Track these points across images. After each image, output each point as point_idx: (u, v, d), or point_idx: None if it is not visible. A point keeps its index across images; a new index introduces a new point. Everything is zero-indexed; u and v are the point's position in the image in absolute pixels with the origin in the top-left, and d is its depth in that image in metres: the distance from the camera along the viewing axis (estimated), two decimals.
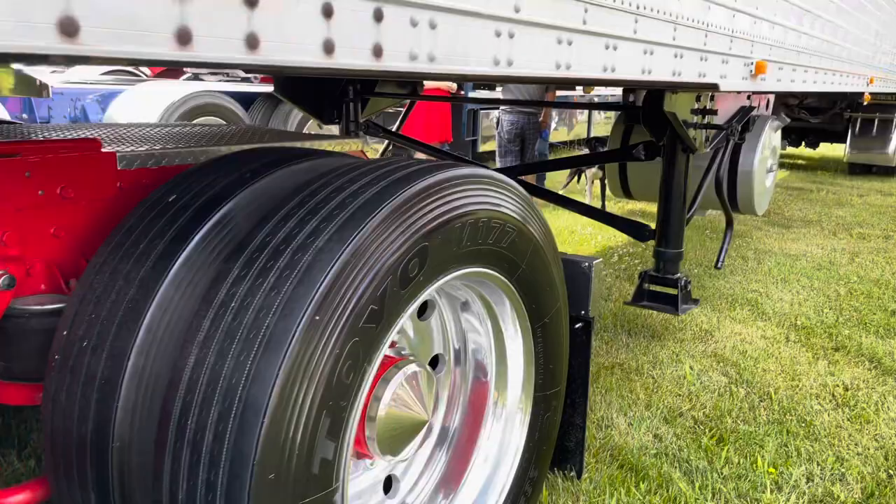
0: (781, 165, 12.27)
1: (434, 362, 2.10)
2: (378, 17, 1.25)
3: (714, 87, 2.94)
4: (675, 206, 3.67)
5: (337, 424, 1.31)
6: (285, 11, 1.09)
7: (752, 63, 3.29)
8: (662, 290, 3.76)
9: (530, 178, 8.05)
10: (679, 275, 3.73)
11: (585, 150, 9.83)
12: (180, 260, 1.43)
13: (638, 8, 2.13)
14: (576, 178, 8.18)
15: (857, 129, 10.88)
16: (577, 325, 2.37)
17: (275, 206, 1.46)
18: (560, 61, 1.80)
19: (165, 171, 1.90)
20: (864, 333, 4.08)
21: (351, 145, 2.84)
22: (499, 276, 1.84)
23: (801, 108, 11.00)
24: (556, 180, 8.86)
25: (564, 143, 13.00)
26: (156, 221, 1.54)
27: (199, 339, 1.25)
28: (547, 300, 2.05)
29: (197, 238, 1.47)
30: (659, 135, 3.55)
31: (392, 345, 1.68)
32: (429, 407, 1.78)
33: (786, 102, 11.00)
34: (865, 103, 6.97)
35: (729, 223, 3.81)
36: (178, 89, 7.26)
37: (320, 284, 1.26)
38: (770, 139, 4.58)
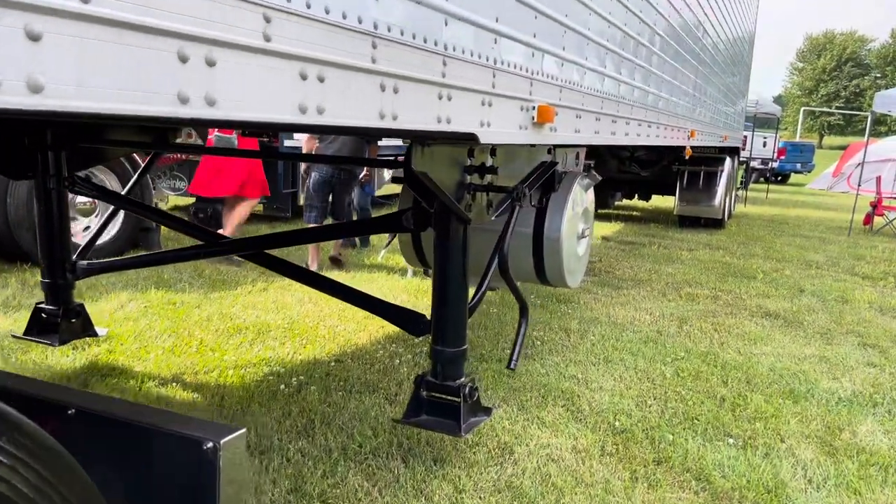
0: (616, 218, 12.11)
1: None
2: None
3: (472, 139, 2.09)
4: (453, 291, 2.81)
5: None
6: None
7: (532, 107, 2.50)
8: (445, 397, 2.88)
9: (334, 242, 7.12)
10: (462, 380, 2.86)
11: None
12: None
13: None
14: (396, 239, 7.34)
15: (685, 181, 10.85)
16: None
17: None
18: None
19: None
20: (690, 435, 3.37)
21: None
22: None
23: (633, 160, 10.87)
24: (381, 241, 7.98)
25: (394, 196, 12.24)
26: None
27: None
28: None
29: None
30: (429, 199, 2.69)
31: None
32: None
33: (616, 155, 10.84)
34: (687, 157, 6.60)
35: (522, 311, 2.99)
36: None
37: None
38: (580, 199, 3.88)
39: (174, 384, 3.67)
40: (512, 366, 2.91)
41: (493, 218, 2.96)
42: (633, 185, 11.95)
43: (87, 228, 6.81)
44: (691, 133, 6.39)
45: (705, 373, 4.30)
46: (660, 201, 13.50)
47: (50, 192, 3.51)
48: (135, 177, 4.05)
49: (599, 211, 12.46)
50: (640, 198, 12.39)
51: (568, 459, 3.08)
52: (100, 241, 6.98)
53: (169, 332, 4.53)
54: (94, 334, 3.83)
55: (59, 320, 3.63)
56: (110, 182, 6.87)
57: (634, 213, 13.38)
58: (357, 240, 7.96)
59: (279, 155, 6.04)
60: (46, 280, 3.61)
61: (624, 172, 11.22)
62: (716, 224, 11.23)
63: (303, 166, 8.86)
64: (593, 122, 3.35)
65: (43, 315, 3.64)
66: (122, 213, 7.00)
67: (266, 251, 3.20)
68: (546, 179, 3.69)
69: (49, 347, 4.01)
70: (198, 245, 3.36)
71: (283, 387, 3.67)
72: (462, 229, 2.79)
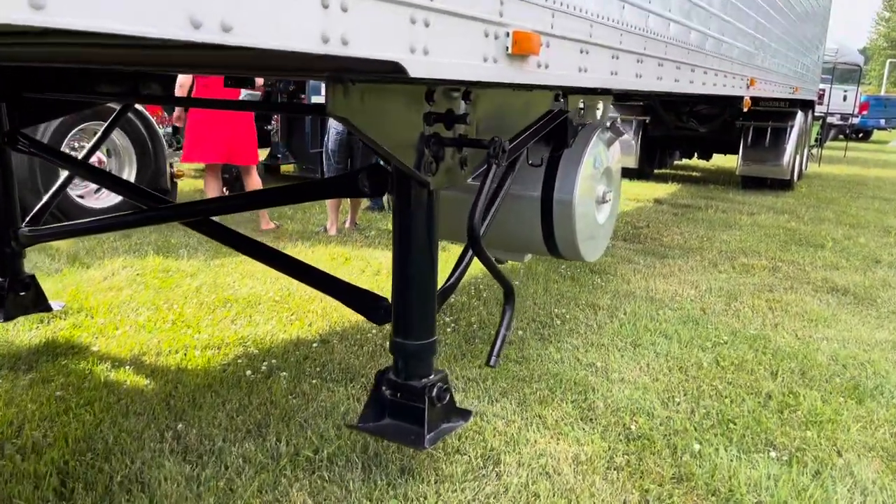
0: (672, 178, 11.27)
1: None
2: None
3: (397, 71, 1.52)
4: (416, 271, 2.28)
5: None
6: None
7: (505, 33, 1.90)
8: (408, 400, 2.37)
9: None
10: (427, 380, 2.34)
11: None
12: None
13: None
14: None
15: (750, 139, 9.92)
16: None
17: None
18: None
19: None
20: (722, 444, 2.77)
21: None
22: None
23: (691, 115, 10.00)
24: None
25: None
26: None
27: None
28: None
29: None
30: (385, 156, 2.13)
31: None
32: None
33: (672, 108, 9.97)
34: (746, 109, 5.81)
35: (507, 297, 2.42)
36: None
37: None
38: (601, 157, 3.26)
39: (130, 366, 3.26)
40: (491, 363, 2.36)
41: (470, 180, 2.39)
42: (691, 143, 11.05)
43: (98, 190, 6.51)
44: (750, 81, 5.59)
45: (751, 362, 3.65)
46: (722, 161, 12.53)
47: None
48: (98, 134, 3.61)
49: (656, 171, 11.61)
50: (699, 157, 11.48)
51: (566, 474, 2.53)
52: (114, 202, 6.70)
53: (149, 305, 4.14)
54: (48, 308, 3.46)
55: (5, 293, 3.26)
56: (120, 140, 6.52)
57: (694, 173, 12.45)
58: (384, 202, 7.44)
59: (237, 104, 5.50)
60: None
61: (681, 129, 10.33)
62: (783, 185, 10.27)
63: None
64: (607, 60, 2.70)
65: None
66: (134, 170, 6.66)
67: (213, 219, 2.71)
68: (556, 133, 3.09)
69: (12, 322, 3.66)
70: (140, 210, 2.90)
71: (249, 372, 3.22)
72: (426, 194, 2.23)
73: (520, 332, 3.91)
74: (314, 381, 3.18)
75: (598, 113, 3.54)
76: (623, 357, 3.65)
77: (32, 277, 3.38)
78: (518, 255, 3.54)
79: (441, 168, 2.20)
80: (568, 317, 4.24)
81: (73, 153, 6.32)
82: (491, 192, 2.23)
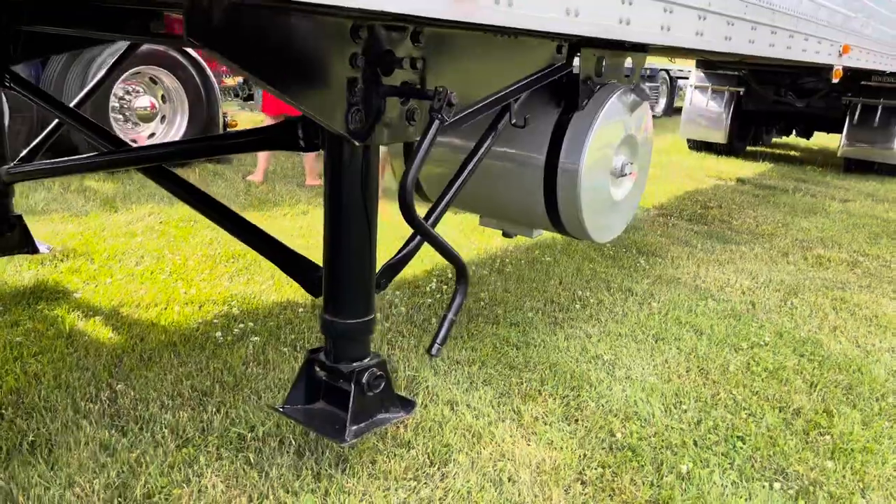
0: (766, 157, 10.38)
1: None
2: None
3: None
4: (348, 240, 1.98)
5: None
6: None
7: None
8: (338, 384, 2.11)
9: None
10: (359, 364, 2.06)
11: None
12: None
13: None
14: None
15: (857, 117, 8.94)
16: None
17: None
18: None
19: None
20: (720, 466, 2.36)
21: None
22: None
23: (790, 88, 9.11)
24: None
25: None
26: None
27: None
28: None
29: None
30: None
31: None
32: None
33: (769, 80, 9.11)
34: (836, 80, 5.12)
35: (458, 277, 2.08)
36: None
37: None
38: (621, 122, 2.85)
39: (102, 317, 3.13)
40: (433, 351, 2.04)
41: (419, 137, 2.06)
42: (790, 119, 10.10)
43: (152, 135, 6.51)
44: (843, 49, 4.90)
45: (789, 369, 3.17)
46: (826, 140, 11.45)
47: None
48: (95, 79, 3.44)
49: (748, 148, 10.73)
50: (797, 134, 10.50)
51: (521, 483, 2.20)
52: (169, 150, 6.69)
53: (154, 254, 4.03)
54: (34, 250, 3.37)
55: None
56: (171, 83, 6.47)
57: (792, 152, 11.44)
58: None
59: None
60: None
61: (779, 103, 9.43)
62: (893, 171, 9.24)
63: None
64: (616, 3, 2.28)
65: None
66: (186, 117, 6.62)
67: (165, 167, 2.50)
68: (564, 92, 2.70)
69: (10, 261, 3.62)
70: (104, 152, 2.72)
71: (219, 334, 3.03)
72: (361, 152, 1.92)
73: (530, 315, 3.55)
74: (284, 350, 2.96)
75: (631, 72, 3.10)
76: (639, 351, 3.24)
77: (19, 218, 3.30)
78: (524, 228, 3.18)
79: (385, 121, 1.88)
80: (592, 300, 3.84)
81: (126, 97, 6.34)
82: (427, 150, 1.86)
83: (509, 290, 3.90)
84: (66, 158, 2.84)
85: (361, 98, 1.78)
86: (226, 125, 6.90)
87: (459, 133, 2.65)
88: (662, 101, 15.25)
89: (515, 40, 2.26)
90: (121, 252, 4.01)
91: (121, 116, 6.32)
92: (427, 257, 4.40)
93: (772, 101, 9.46)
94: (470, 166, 2.34)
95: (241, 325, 3.14)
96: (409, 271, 3.78)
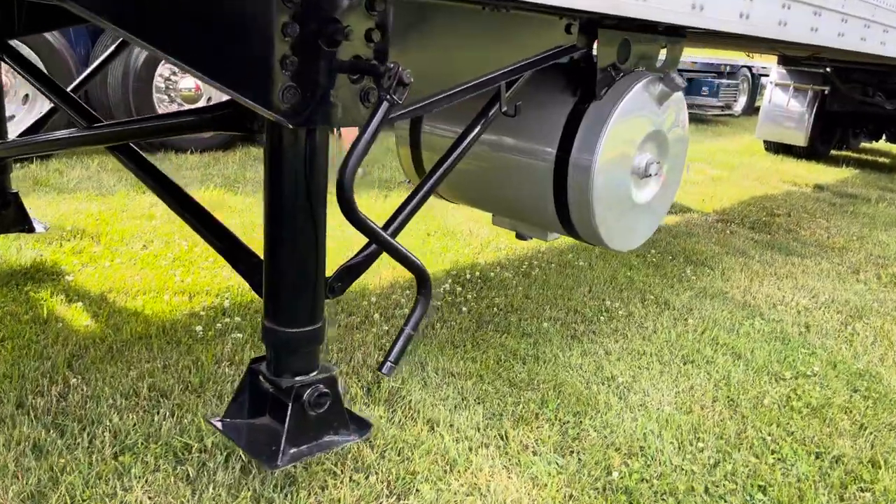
0: (851, 163, 9.61)
1: None
2: None
3: None
4: (290, 239, 1.73)
5: None
6: None
7: None
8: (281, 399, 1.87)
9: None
10: (301, 379, 1.81)
11: None
12: None
13: None
14: None
15: None
16: None
17: None
18: None
19: None
20: None
21: None
22: None
23: (879, 87, 8.37)
24: None
25: None
26: None
27: None
28: None
29: None
30: None
31: None
32: None
33: (856, 79, 8.39)
34: None
35: (421, 285, 1.79)
36: None
37: None
38: (647, 116, 2.51)
39: (86, 303, 2.99)
40: (384, 370, 1.76)
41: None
42: (879, 122, 9.29)
43: None
44: None
45: (836, 406, 2.75)
46: None
47: None
48: (97, 62, 3.29)
49: (833, 152, 9.96)
50: (888, 139, 9.67)
51: None
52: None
53: (163, 238, 3.89)
54: (31, 229, 3.27)
55: None
56: None
57: (882, 158, 10.57)
58: None
59: None
60: None
61: (867, 105, 8.68)
62: None
63: None
64: None
65: None
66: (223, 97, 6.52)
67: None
68: (580, 79, 2.39)
69: (16, 239, 3.55)
70: (81, 128, 2.55)
71: (200, 328, 2.84)
72: (305, 135, 1.66)
73: (546, 325, 3.23)
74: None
75: (666, 63, 2.73)
76: (661, 374, 2.88)
77: (16, 195, 3.20)
78: (536, 230, 2.87)
79: (328, 102, 1.62)
80: (620, 312, 3.48)
81: (172, 78, 6.28)
82: (372, 137, 1.58)
83: (530, 296, 3.58)
84: (32, 136, 2.71)
85: (295, 73, 1.52)
86: None
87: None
88: (742, 100, 14.40)
89: (507, 15, 1.96)
90: (131, 235, 3.90)
91: (166, 97, 6.28)
92: (444, 255, 4.12)
93: (858, 102, 8.72)
94: (452, 158, 2.05)
95: (227, 320, 2.94)
96: None
